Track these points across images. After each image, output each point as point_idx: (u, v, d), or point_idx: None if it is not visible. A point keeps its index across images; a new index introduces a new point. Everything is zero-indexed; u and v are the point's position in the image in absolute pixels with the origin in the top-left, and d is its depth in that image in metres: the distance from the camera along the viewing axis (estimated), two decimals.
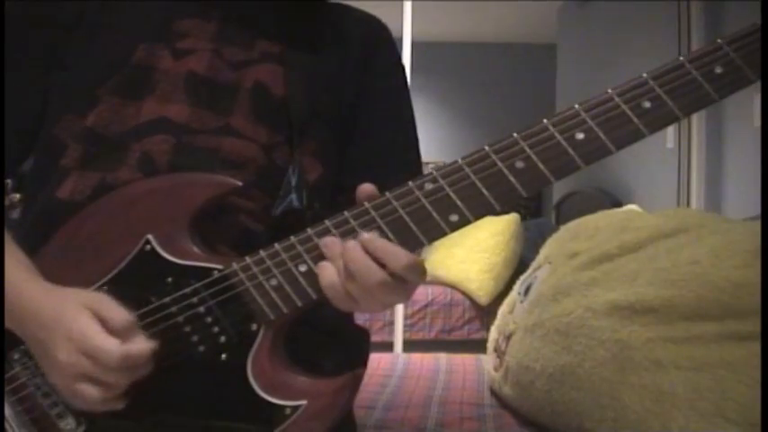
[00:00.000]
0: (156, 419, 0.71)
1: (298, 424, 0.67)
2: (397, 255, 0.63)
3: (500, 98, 5.23)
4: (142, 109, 0.79)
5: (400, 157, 0.91)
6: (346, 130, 0.87)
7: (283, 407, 0.68)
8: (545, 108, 4.60)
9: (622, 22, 3.47)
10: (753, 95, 2.22)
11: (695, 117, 2.59)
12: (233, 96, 0.81)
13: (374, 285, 0.63)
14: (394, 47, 0.95)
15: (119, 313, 0.67)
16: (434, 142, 4.82)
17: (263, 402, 0.68)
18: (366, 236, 0.64)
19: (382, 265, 0.63)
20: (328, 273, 0.65)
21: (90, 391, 0.65)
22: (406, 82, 0.96)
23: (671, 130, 2.74)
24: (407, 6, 3.02)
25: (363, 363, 0.90)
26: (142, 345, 0.66)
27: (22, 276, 0.72)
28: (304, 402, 0.68)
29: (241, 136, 0.79)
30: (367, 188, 0.66)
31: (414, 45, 2.99)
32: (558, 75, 4.45)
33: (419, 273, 0.65)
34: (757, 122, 2.25)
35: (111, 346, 0.64)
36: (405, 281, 0.64)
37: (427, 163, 0.94)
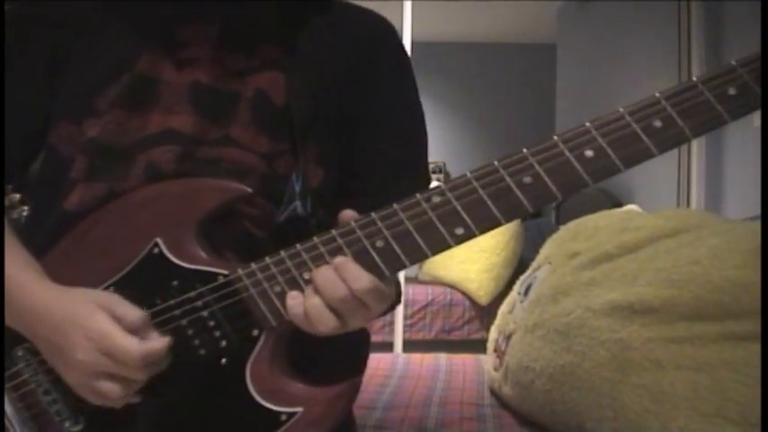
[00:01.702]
0: (154, 420, 0.71)
1: (293, 430, 0.68)
2: (361, 277, 0.65)
3: (500, 98, 5.23)
4: (149, 121, 0.78)
5: (405, 162, 0.89)
6: (350, 132, 0.86)
7: (279, 413, 0.68)
8: (545, 108, 4.61)
9: (622, 22, 3.47)
10: None
11: None
12: (234, 106, 0.80)
13: (336, 300, 0.64)
14: (400, 47, 0.91)
15: (132, 311, 0.68)
16: (434, 142, 4.77)
17: (260, 407, 0.69)
18: (338, 259, 0.65)
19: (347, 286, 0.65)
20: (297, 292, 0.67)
21: (110, 388, 0.66)
22: (413, 83, 0.92)
23: None
24: (407, 6, 3.02)
25: (362, 367, 0.90)
26: (160, 342, 0.67)
27: (29, 277, 0.71)
28: (300, 409, 0.68)
29: (241, 146, 0.79)
30: (348, 214, 0.67)
31: (414, 45, 2.99)
32: (558, 75, 4.45)
33: (379, 298, 0.66)
34: (757, 122, 2.24)
35: (131, 344, 0.65)
36: (365, 304, 0.65)
37: None
